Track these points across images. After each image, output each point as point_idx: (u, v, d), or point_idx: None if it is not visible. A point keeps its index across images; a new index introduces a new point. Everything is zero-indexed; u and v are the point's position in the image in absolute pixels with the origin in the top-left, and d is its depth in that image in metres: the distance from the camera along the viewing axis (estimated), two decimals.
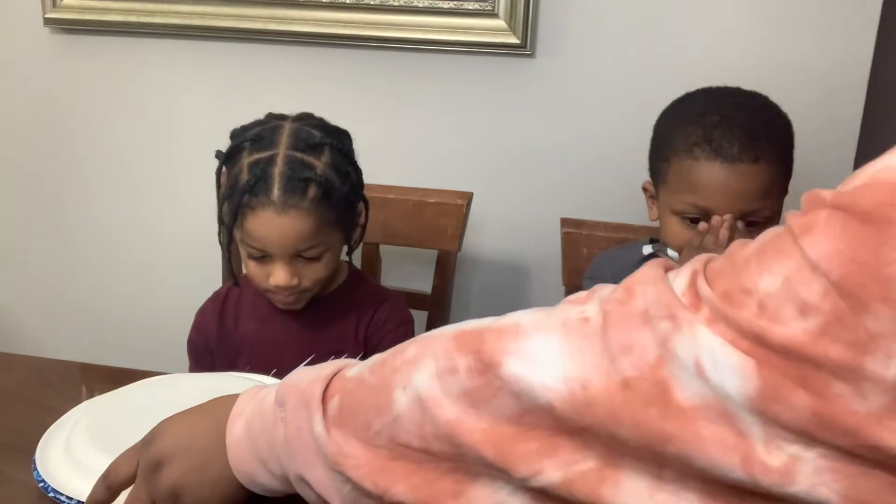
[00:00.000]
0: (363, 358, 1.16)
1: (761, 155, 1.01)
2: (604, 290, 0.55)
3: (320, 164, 1.07)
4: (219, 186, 1.15)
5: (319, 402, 0.59)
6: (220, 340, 1.19)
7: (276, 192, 1.04)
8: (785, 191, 1.08)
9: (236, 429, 0.63)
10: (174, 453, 0.63)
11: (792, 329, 0.45)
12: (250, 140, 1.10)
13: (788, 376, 0.45)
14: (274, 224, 1.04)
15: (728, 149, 1.01)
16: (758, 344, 0.46)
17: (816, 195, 0.48)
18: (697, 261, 0.53)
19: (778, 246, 0.48)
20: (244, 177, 1.06)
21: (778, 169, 1.04)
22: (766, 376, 0.45)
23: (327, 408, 0.59)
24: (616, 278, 1.15)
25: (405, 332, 1.20)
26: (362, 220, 1.17)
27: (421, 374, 0.55)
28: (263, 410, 0.62)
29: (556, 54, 1.49)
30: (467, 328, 0.57)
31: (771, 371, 0.45)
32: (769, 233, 0.50)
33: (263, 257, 1.08)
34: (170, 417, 0.67)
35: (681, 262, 1.04)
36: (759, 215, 1.03)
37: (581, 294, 0.57)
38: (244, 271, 1.16)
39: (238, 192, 1.05)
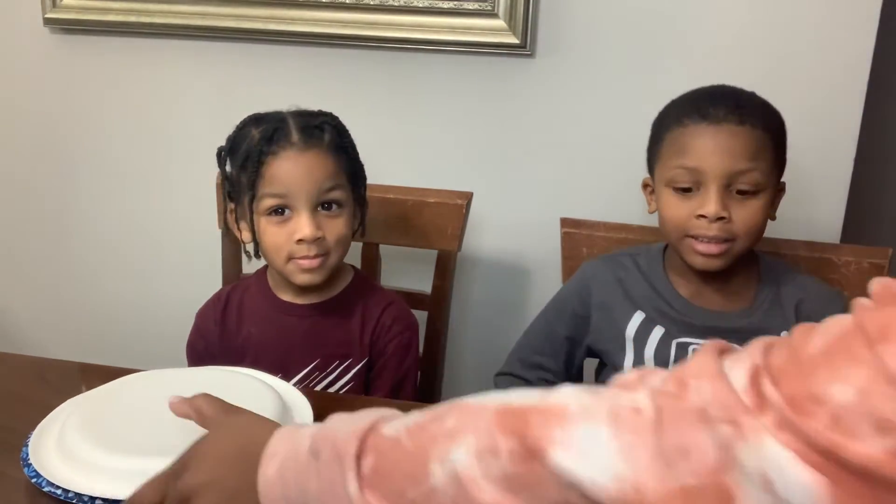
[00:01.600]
0: (368, 362, 1.17)
1: (747, 119, 1.05)
2: (654, 377, 0.53)
3: (329, 120, 1.14)
4: (224, 175, 1.16)
5: (354, 460, 0.58)
6: (221, 344, 1.18)
7: (295, 135, 1.09)
8: (777, 172, 1.09)
9: (270, 470, 0.62)
10: (205, 487, 0.63)
11: (869, 447, 0.42)
12: (251, 122, 1.13)
13: (864, 499, 0.43)
14: (297, 162, 1.07)
15: (714, 113, 1.05)
16: (829, 459, 0.43)
17: (891, 289, 0.46)
18: (756, 351, 0.50)
19: (849, 349, 0.45)
20: (258, 136, 1.09)
21: (765, 137, 1.06)
22: (839, 496, 0.43)
23: (361, 465, 0.58)
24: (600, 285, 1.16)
25: (410, 337, 1.19)
26: (364, 196, 1.19)
27: (460, 450, 0.54)
28: (298, 456, 0.61)
29: (555, 54, 1.49)
30: (512, 404, 0.55)
31: (845, 492, 0.43)
32: (835, 325, 0.47)
33: (284, 212, 1.08)
34: (200, 445, 0.66)
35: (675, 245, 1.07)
36: (749, 179, 1.04)
37: (630, 377, 0.55)
38: (246, 264, 1.16)
39: (256, 147, 1.07)
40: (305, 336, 1.16)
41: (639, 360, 1.13)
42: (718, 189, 1.04)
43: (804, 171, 1.41)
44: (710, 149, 1.04)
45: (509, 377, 1.23)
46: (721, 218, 1.03)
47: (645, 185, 1.18)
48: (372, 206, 1.20)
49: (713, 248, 1.05)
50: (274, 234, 1.08)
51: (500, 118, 1.54)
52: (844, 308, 1.14)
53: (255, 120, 1.13)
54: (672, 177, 1.07)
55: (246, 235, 1.14)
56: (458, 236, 1.34)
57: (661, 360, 1.12)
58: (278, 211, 1.08)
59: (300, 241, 1.07)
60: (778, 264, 1.16)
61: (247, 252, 1.17)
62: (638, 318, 1.14)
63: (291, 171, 1.07)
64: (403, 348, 1.18)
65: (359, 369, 1.16)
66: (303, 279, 1.10)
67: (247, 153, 1.09)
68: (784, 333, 1.09)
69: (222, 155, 1.14)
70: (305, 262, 1.08)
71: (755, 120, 1.05)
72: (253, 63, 1.61)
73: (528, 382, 1.21)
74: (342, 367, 1.16)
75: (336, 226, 1.10)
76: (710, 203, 1.03)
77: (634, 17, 1.44)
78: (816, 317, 1.13)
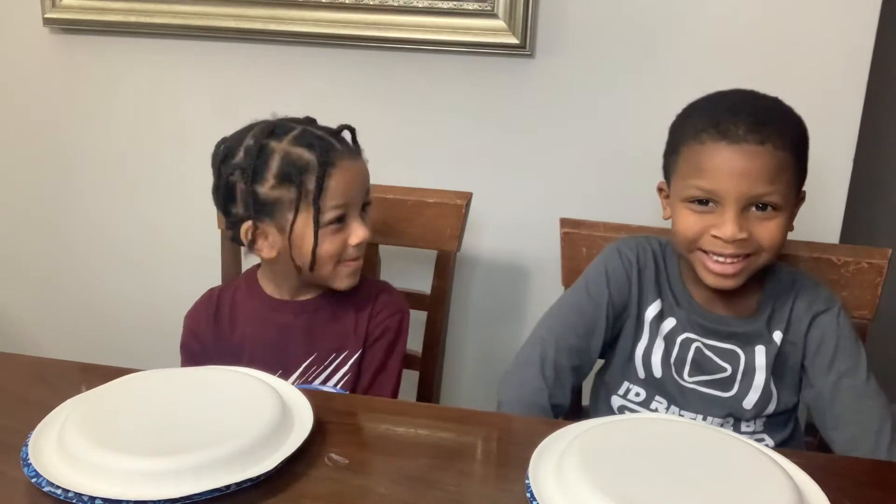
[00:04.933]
0: (363, 352, 1.15)
1: (767, 139, 1.00)
2: None
3: (343, 127, 1.17)
4: (220, 181, 1.14)
5: None
6: (216, 345, 1.19)
7: (338, 146, 1.13)
8: (798, 185, 1.06)
9: None
10: None
11: None
12: (266, 135, 1.11)
13: None
14: (353, 172, 1.13)
15: (734, 131, 1.00)
16: None
17: None
18: None
19: None
20: (301, 152, 1.10)
21: (787, 156, 1.01)
22: None
23: None
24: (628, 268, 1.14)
25: (400, 320, 1.21)
26: None
27: None
28: None
29: (555, 54, 1.49)
30: None
31: None
32: None
33: (341, 220, 1.12)
34: None
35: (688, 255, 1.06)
36: (767, 200, 1.01)
37: None
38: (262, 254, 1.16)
39: (319, 162, 1.09)
40: (301, 333, 1.17)
41: (650, 347, 1.13)
42: (736, 211, 1.01)
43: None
44: (728, 171, 1.00)
45: (530, 367, 1.12)
46: (739, 238, 1.01)
47: (660, 189, 1.15)
48: (371, 206, 1.20)
49: (728, 269, 1.03)
50: (332, 241, 1.12)
51: (500, 118, 1.54)
52: (823, 305, 1.08)
53: (270, 133, 1.11)
54: (688, 196, 1.05)
55: (268, 252, 1.13)
56: (458, 236, 1.34)
57: (668, 351, 1.12)
58: (340, 219, 1.12)
59: (358, 244, 1.13)
60: (783, 270, 1.15)
61: (298, 267, 1.14)
62: (657, 306, 1.14)
63: (351, 180, 1.12)
64: (392, 331, 1.20)
65: (355, 360, 1.18)
66: (349, 282, 1.16)
67: (298, 169, 1.08)
68: (776, 333, 1.08)
69: (246, 174, 1.10)
70: (353, 264, 1.15)
71: (776, 138, 1.00)
72: (252, 63, 1.61)
73: (561, 368, 1.12)
74: (339, 359, 1.17)
75: (369, 226, 1.17)
76: (727, 225, 1.00)
77: (634, 17, 1.44)
78: (800, 313, 1.09)
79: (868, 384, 1.06)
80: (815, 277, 1.17)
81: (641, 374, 1.14)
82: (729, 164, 1.00)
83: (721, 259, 1.03)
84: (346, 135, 1.16)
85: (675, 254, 1.16)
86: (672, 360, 1.12)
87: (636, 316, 1.15)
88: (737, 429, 1.11)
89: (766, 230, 1.02)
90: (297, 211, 1.10)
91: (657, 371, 1.12)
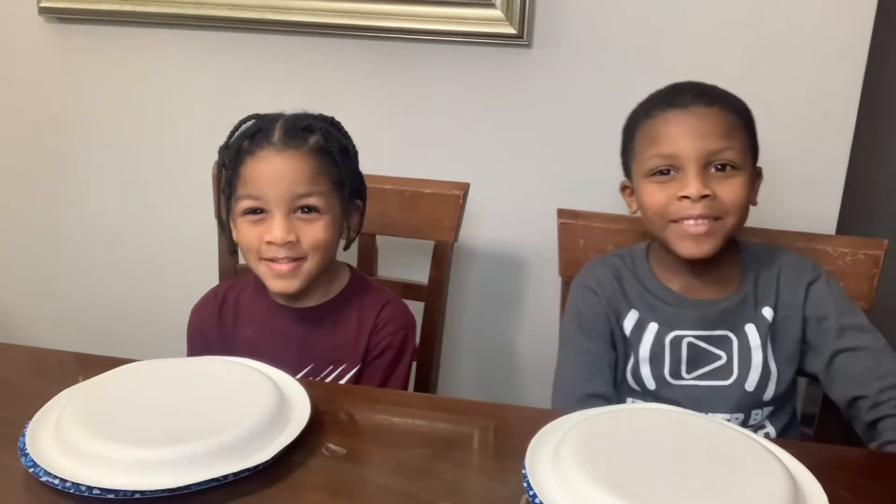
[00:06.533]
0: (363, 364, 1.13)
1: (714, 102, 1.06)
2: None
3: (320, 124, 1.11)
4: (218, 183, 1.14)
5: None
6: (219, 342, 1.17)
7: (276, 135, 1.07)
8: (752, 154, 1.09)
9: None
10: None
11: None
12: (249, 119, 1.12)
13: None
14: (272, 163, 1.06)
15: (680, 99, 1.07)
16: None
17: None
18: None
19: None
20: (241, 134, 1.08)
21: (736, 119, 1.07)
22: None
23: None
24: (606, 286, 1.14)
25: (404, 337, 1.16)
26: (361, 205, 1.18)
27: None
28: None
29: (552, 45, 1.48)
30: None
31: None
32: None
33: (260, 212, 1.07)
34: None
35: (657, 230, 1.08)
36: (725, 157, 1.05)
37: None
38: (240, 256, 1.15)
39: (235, 146, 1.06)
40: (299, 341, 1.14)
41: (636, 364, 1.13)
42: (697, 170, 1.04)
43: (800, 166, 1.41)
44: (683, 133, 1.05)
45: None
46: (705, 196, 1.03)
47: (623, 188, 1.19)
48: (369, 197, 1.19)
49: (701, 228, 1.05)
50: (248, 232, 1.08)
51: (497, 108, 1.54)
52: (813, 273, 1.09)
53: (252, 118, 1.12)
54: (650, 168, 1.08)
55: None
56: (455, 227, 1.34)
57: (656, 357, 1.12)
58: (254, 211, 1.07)
59: (269, 242, 1.06)
60: (756, 245, 1.17)
61: (233, 252, 1.16)
62: (633, 317, 1.14)
63: (266, 173, 1.05)
64: (394, 348, 1.15)
65: (353, 375, 1.15)
66: (276, 285, 1.09)
67: (225, 155, 1.09)
68: (767, 309, 1.09)
69: (220, 151, 1.13)
70: (276, 266, 1.07)
71: (722, 102, 1.07)
72: (248, 52, 1.61)
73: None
74: (336, 372, 1.15)
75: (313, 230, 1.07)
76: (691, 184, 1.04)
77: (632, 8, 1.44)
78: (790, 285, 1.10)
79: (878, 339, 1.09)
80: (790, 248, 1.19)
81: (637, 389, 1.14)
82: (682, 126, 1.06)
83: (692, 222, 1.05)
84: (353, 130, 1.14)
85: (643, 256, 1.17)
86: (665, 366, 1.11)
87: (620, 336, 1.15)
88: (744, 424, 1.11)
89: (729, 188, 1.05)
90: (228, 199, 1.10)
91: (650, 384, 1.13)
